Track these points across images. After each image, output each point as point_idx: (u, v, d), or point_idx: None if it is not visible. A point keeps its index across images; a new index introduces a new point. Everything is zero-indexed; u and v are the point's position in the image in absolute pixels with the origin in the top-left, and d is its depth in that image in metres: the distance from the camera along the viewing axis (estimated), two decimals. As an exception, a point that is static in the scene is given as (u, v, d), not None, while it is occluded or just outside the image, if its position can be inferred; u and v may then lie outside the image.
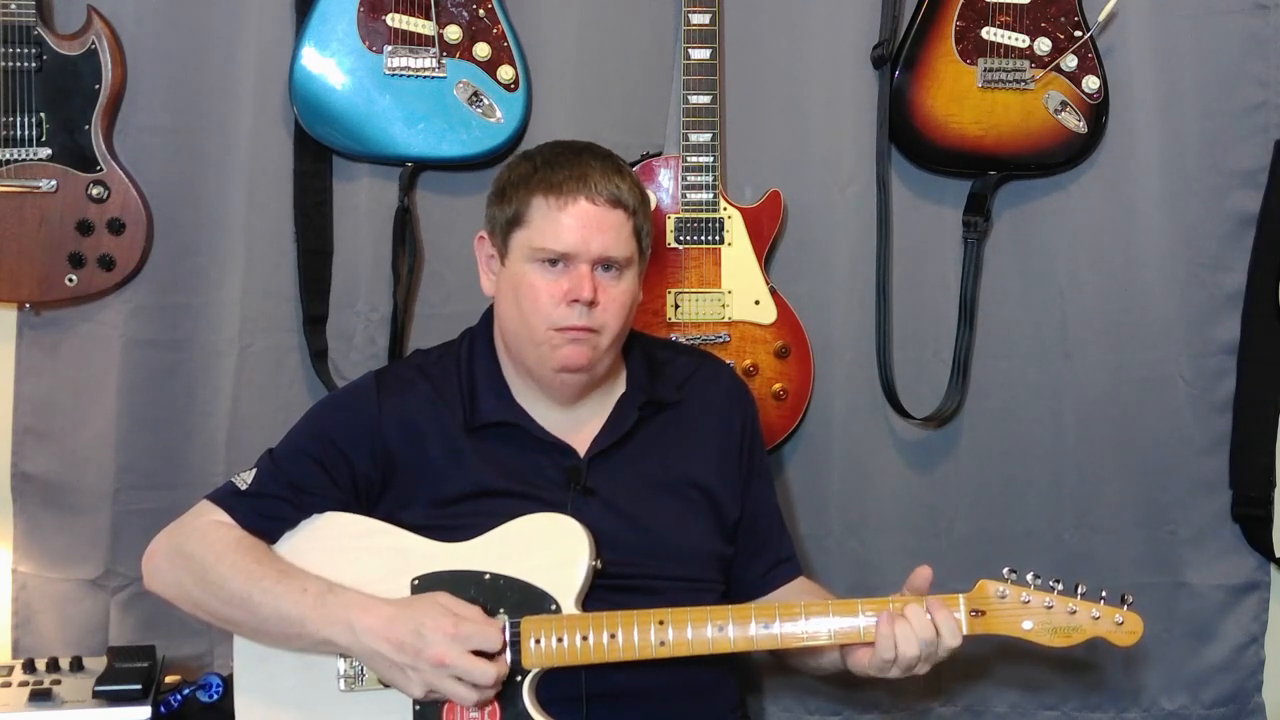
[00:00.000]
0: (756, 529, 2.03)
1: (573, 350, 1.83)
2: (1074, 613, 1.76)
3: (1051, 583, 1.77)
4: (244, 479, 1.89)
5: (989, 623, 1.77)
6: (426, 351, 2.03)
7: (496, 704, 1.77)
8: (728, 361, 2.31)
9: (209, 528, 1.84)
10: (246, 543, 1.83)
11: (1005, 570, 1.78)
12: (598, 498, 1.88)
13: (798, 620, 1.78)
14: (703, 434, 1.98)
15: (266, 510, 1.86)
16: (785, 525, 2.10)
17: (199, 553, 1.82)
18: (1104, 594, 1.78)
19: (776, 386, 2.37)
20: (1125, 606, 1.77)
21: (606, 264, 1.84)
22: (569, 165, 1.84)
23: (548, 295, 1.82)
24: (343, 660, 1.82)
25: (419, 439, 1.90)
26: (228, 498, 1.87)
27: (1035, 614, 1.76)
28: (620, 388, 1.97)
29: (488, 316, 1.98)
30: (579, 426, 1.93)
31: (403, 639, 1.72)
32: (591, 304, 1.82)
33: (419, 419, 1.91)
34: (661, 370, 2.00)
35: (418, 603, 1.76)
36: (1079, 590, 1.77)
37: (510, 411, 1.91)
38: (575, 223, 1.81)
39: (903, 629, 1.75)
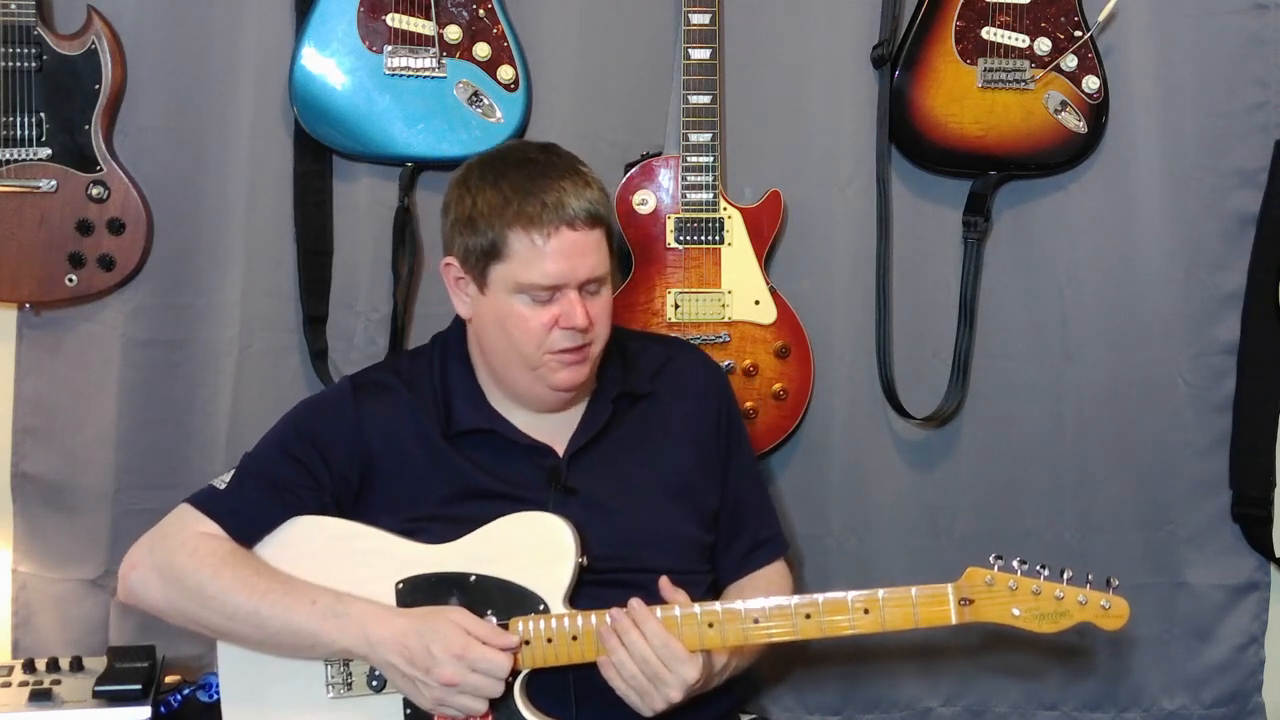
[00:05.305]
0: (737, 511, 2.02)
1: (571, 373, 1.85)
2: (1061, 598, 1.76)
3: (1038, 568, 1.77)
4: (222, 480, 1.89)
5: (978, 610, 1.76)
6: (399, 355, 2.03)
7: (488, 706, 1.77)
8: (727, 361, 2.31)
9: (196, 541, 1.83)
10: (240, 554, 1.82)
11: (991, 557, 1.77)
12: (579, 495, 1.89)
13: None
14: (679, 423, 1.98)
15: (247, 508, 1.85)
16: (771, 505, 2.09)
17: (191, 568, 1.81)
18: (1090, 578, 1.78)
19: (776, 386, 2.37)
20: (1111, 590, 1.77)
21: (591, 283, 1.84)
22: (542, 190, 1.79)
23: (539, 324, 1.82)
24: (330, 667, 1.82)
25: (397, 444, 1.90)
26: (207, 501, 1.86)
27: (1022, 600, 1.76)
28: (593, 383, 1.96)
29: (459, 323, 1.97)
30: (556, 426, 1.93)
31: (414, 655, 1.73)
32: (585, 329, 1.82)
33: (396, 424, 1.91)
34: (634, 362, 2.00)
35: (432, 618, 1.76)
36: (1065, 575, 1.77)
37: (487, 418, 1.91)
38: (560, 254, 1.79)
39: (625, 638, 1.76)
